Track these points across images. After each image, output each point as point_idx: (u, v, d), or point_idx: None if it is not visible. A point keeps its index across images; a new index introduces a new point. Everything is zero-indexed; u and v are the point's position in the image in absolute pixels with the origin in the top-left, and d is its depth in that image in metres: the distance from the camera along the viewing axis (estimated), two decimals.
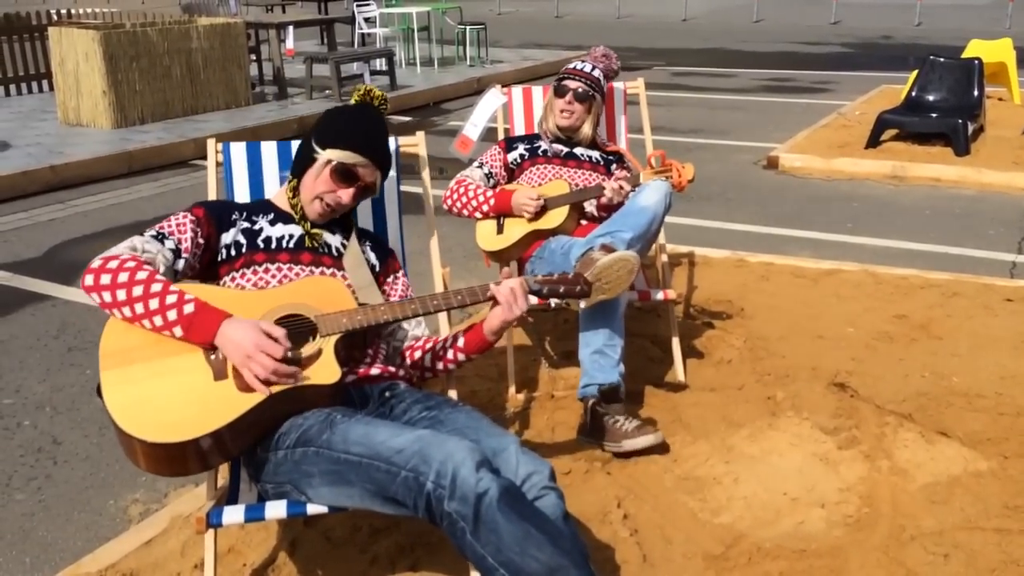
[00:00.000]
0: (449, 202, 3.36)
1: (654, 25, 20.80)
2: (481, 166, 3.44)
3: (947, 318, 3.89)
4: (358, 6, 12.30)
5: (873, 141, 7.39)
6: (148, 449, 1.83)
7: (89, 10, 11.18)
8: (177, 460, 1.87)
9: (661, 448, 2.83)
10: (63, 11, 10.37)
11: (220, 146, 2.68)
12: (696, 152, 7.68)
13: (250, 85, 9.43)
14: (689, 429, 3.00)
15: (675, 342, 3.39)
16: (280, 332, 1.94)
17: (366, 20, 12.33)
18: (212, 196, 2.65)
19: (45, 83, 10.05)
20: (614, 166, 3.49)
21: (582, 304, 2.31)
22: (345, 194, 2.21)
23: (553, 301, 2.21)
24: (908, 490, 2.62)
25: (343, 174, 2.20)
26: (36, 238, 5.55)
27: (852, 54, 15.11)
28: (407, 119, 9.55)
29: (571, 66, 3.47)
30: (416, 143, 2.76)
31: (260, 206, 2.30)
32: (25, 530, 2.71)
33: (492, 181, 3.43)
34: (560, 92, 3.43)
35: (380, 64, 10.71)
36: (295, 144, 2.59)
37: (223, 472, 2.29)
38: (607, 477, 2.73)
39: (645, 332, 3.76)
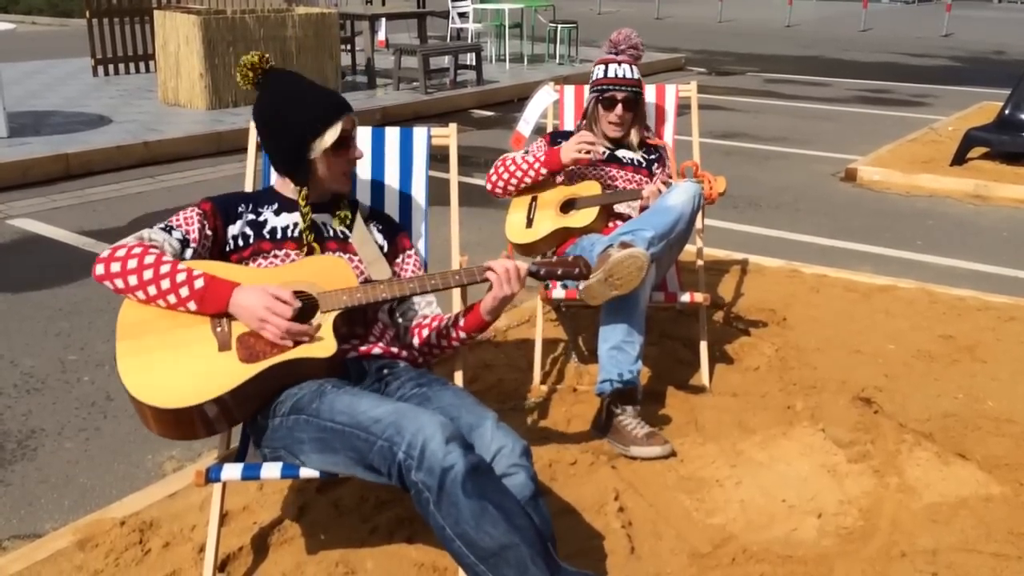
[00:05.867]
0: (491, 183, 3.32)
1: (755, 30, 20.48)
2: (527, 154, 3.39)
3: (996, 342, 3.79)
4: (453, 1, 12.49)
5: (959, 158, 7.16)
6: (156, 414, 1.98)
7: None
8: (184, 424, 2.01)
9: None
10: None
11: None
12: (774, 160, 7.58)
13: (340, 74, 9.72)
14: (702, 431, 3.02)
15: (703, 346, 3.40)
16: (287, 294, 2.07)
17: (460, 15, 12.52)
18: (250, 178, 2.80)
19: (152, 64, 10.57)
20: (655, 166, 3.52)
21: (581, 284, 2.31)
22: (356, 151, 2.35)
23: (561, 287, 2.27)
24: (911, 508, 2.59)
25: (343, 142, 2.29)
26: (122, 209, 5.88)
27: (959, 68, 14.60)
28: (489, 113, 9.70)
29: (611, 75, 3.41)
30: (447, 134, 2.85)
31: (266, 196, 2.40)
32: (69, 476, 2.93)
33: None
34: (609, 105, 3.43)
35: (469, 59, 10.89)
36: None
37: (237, 435, 2.44)
38: (611, 471, 2.78)
39: (679, 335, 3.78)
